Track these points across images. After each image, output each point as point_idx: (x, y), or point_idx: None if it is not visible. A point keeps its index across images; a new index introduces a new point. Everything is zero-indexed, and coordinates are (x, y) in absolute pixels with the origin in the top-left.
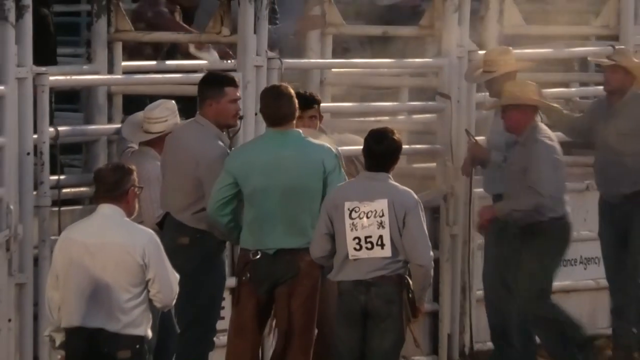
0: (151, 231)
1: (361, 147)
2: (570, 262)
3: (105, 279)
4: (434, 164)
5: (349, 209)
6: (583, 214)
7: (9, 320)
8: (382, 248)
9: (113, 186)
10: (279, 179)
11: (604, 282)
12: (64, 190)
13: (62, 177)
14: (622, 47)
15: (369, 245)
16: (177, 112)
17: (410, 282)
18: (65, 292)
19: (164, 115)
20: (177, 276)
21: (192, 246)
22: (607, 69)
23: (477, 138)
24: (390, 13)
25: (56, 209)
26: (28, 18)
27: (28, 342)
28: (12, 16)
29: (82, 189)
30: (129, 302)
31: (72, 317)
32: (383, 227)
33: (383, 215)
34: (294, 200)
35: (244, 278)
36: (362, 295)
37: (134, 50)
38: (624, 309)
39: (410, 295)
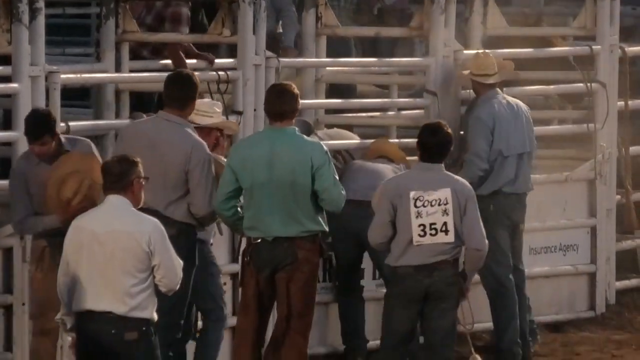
0: (156, 220)
1: (349, 141)
2: (550, 248)
3: (113, 265)
4: None
5: (413, 198)
6: (562, 204)
7: (23, 304)
8: (446, 234)
9: (118, 177)
10: (274, 173)
11: (582, 268)
12: None
13: None
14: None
15: (433, 232)
16: (221, 113)
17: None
18: (76, 277)
19: (211, 110)
20: (181, 262)
21: (179, 237)
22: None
23: None
24: (380, 15)
25: None
26: (41, 20)
27: None
28: (25, 18)
29: None
30: (135, 287)
31: (83, 301)
32: (447, 214)
33: (447, 203)
34: (288, 193)
35: (245, 259)
36: (426, 279)
37: (132, 52)
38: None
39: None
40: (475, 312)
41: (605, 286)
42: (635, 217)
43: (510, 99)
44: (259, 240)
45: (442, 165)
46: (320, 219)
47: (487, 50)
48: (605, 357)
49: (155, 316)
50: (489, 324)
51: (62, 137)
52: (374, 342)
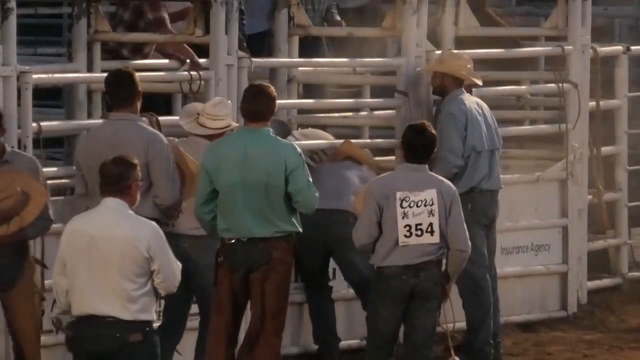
0: (154, 224)
1: (324, 141)
2: (522, 248)
3: (112, 269)
4: (394, 157)
5: (400, 199)
6: (534, 204)
7: None
8: (432, 235)
9: (117, 179)
10: (248, 174)
11: (554, 268)
12: (47, 182)
13: (44, 169)
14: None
15: (419, 232)
16: (230, 112)
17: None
18: (74, 281)
19: (223, 113)
20: (179, 265)
21: None
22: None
23: None
24: (354, 15)
25: None
26: (12, 20)
27: None
28: None
29: (63, 180)
30: (135, 292)
31: (84, 306)
32: (433, 215)
33: (433, 204)
34: (262, 194)
35: (219, 259)
36: (412, 279)
37: (112, 52)
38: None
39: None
40: (449, 312)
41: (577, 286)
42: (607, 217)
43: (473, 97)
44: (233, 241)
45: (427, 165)
46: (294, 220)
47: (458, 50)
48: (577, 357)
49: (155, 315)
50: (462, 324)
51: (7, 147)
52: (345, 342)
